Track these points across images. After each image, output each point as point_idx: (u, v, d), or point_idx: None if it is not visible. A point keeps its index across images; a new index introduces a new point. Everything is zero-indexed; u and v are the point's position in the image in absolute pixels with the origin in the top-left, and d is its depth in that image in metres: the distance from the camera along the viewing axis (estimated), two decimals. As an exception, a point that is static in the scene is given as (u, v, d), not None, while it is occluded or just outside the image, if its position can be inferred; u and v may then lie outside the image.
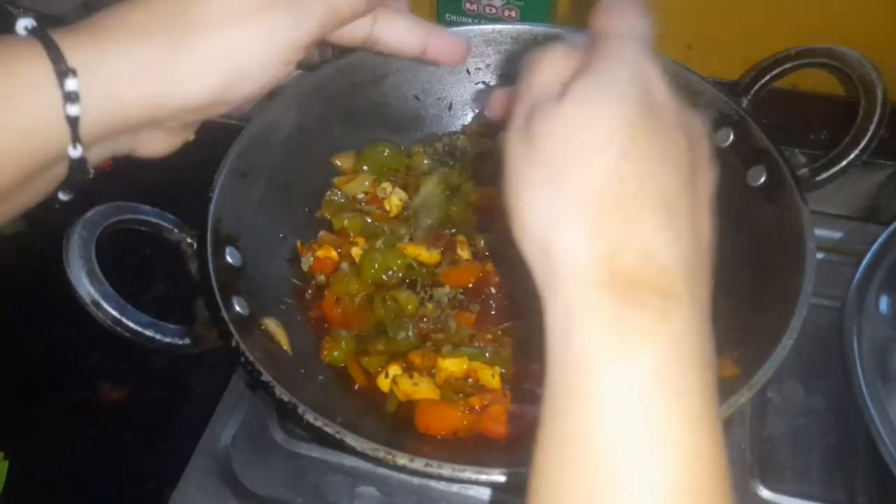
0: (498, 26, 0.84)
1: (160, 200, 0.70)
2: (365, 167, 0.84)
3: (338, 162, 0.84)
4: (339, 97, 0.83)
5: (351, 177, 0.83)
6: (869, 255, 0.76)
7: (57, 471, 0.84)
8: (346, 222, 0.79)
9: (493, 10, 0.91)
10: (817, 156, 0.92)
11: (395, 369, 0.67)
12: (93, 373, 0.92)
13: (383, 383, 0.67)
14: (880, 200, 0.97)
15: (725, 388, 0.58)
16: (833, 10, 0.84)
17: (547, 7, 0.89)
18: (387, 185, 0.82)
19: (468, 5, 0.91)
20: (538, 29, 0.84)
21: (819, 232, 0.75)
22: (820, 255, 0.86)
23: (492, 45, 0.85)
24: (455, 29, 0.86)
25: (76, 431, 0.88)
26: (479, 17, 0.92)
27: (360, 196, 0.82)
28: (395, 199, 0.81)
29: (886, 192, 0.96)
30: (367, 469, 0.69)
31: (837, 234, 0.91)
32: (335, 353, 0.70)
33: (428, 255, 0.75)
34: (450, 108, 0.89)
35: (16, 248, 1.02)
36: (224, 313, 0.61)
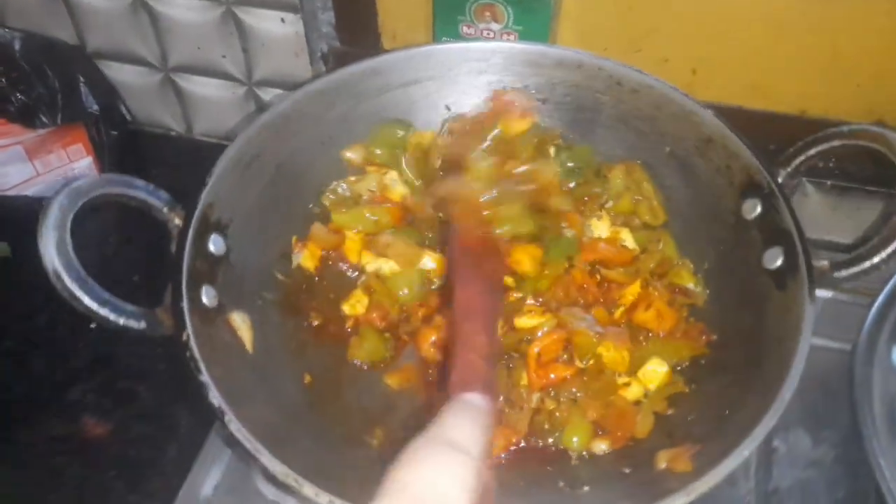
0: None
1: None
2: (378, 150, 0.80)
3: (349, 154, 0.80)
4: (365, 96, 0.79)
5: (360, 178, 0.80)
6: (881, 297, 0.72)
7: (36, 509, 0.82)
8: (343, 216, 0.76)
9: (491, 34, 0.87)
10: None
11: (356, 296, 0.72)
12: (76, 406, 0.89)
13: (351, 307, 0.72)
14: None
15: (667, 484, 0.54)
16: (839, 33, 0.81)
17: (548, 32, 0.86)
18: (394, 174, 0.80)
19: (465, 29, 0.88)
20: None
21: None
22: (828, 294, 0.84)
23: (483, 76, 0.81)
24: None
25: (58, 467, 0.85)
26: (477, 42, 0.88)
27: (366, 197, 0.79)
28: (398, 189, 0.79)
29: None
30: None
31: (846, 271, 0.88)
32: (365, 346, 0.70)
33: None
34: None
35: (-1, 275, 1.00)
36: (185, 302, 0.58)
